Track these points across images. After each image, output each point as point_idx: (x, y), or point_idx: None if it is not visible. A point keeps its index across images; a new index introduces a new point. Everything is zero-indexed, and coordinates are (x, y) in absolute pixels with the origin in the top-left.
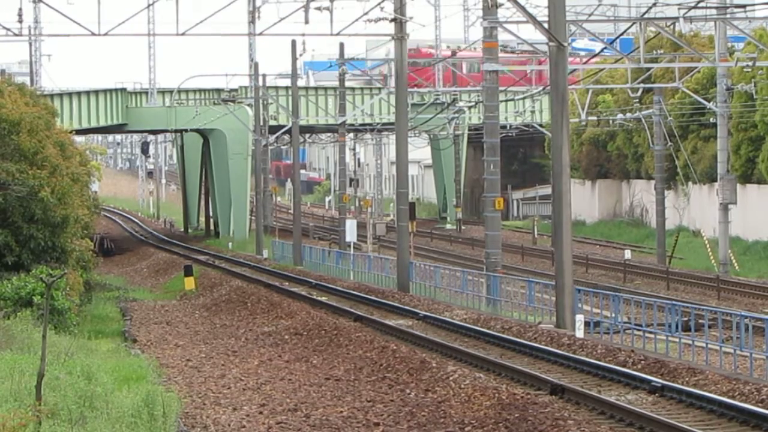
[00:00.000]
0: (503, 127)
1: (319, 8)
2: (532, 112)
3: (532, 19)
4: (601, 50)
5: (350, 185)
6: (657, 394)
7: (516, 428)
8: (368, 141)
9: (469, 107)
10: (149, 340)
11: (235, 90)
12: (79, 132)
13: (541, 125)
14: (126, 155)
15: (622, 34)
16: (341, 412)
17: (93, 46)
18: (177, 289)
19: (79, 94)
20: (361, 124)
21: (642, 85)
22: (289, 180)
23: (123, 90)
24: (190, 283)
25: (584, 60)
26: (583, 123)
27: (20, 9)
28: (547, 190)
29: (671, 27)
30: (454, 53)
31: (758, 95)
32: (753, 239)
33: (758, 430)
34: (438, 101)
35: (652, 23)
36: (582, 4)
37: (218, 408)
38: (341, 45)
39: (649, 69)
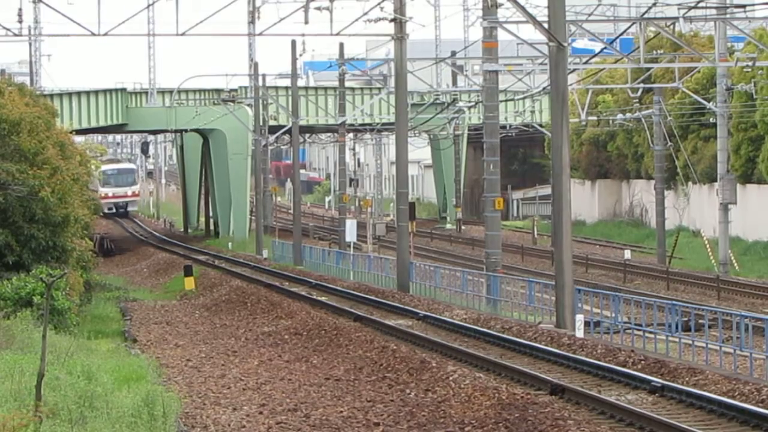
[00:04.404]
0: (503, 127)
1: (319, 8)
2: (532, 112)
3: (532, 19)
4: (601, 50)
5: (350, 185)
6: (657, 394)
7: (516, 428)
8: (368, 141)
9: (469, 107)
10: (149, 340)
11: (235, 90)
12: (79, 132)
13: (541, 125)
14: (126, 155)
15: (622, 34)
16: (341, 412)
17: (93, 46)
18: (177, 289)
19: (79, 94)
20: (360, 124)
21: (642, 85)
22: (289, 180)
23: (123, 90)
24: (190, 283)
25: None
26: (583, 123)
27: (20, 9)
28: (547, 190)
29: (671, 27)
30: None
31: (758, 95)
32: (753, 239)
33: (758, 430)
34: (438, 101)
35: (652, 23)
36: (582, 4)
37: (218, 408)
38: (341, 45)
39: (649, 69)
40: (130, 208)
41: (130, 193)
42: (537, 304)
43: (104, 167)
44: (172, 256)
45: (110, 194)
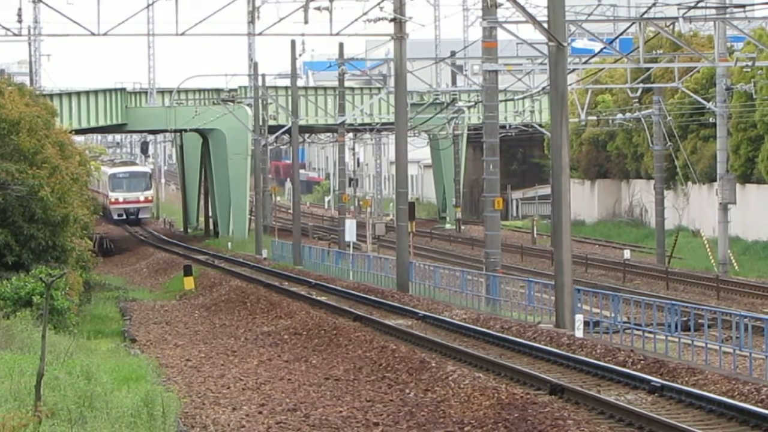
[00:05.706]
0: (503, 127)
1: (318, 8)
2: (532, 111)
3: (532, 19)
4: (601, 50)
5: (350, 185)
6: (656, 394)
7: (515, 428)
8: (368, 141)
9: (469, 107)
10: (149, 340)
11: (235, 90)
12: (79, 132)
13: (540, 125)
14: (125, 155)
15: (621, 34)
16: (341, 411)
17: (93, 46)
18: (176, 289)
19: (78, 94)
20: (360, 124)
21: (641, 85)
22: (288, 180)
23: (122, 90)
24: (189, 282)
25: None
26: (583, 123)
27: (20, 9)
28: (546, 190)
29: (671, 27)
30: None
31: (757, 95)
32: (752, 239)
33: (758, 429)
34: (437, 101)
35: (652, 23)
36: (581, 4)
37: (218, 408)
38: (341, 45)
39: (648, 69)
40: (142, 215)
41: (142, 199)
42: (536, 304)
43: (115, 170)
44: (172, 256)
45: (121, 199)
